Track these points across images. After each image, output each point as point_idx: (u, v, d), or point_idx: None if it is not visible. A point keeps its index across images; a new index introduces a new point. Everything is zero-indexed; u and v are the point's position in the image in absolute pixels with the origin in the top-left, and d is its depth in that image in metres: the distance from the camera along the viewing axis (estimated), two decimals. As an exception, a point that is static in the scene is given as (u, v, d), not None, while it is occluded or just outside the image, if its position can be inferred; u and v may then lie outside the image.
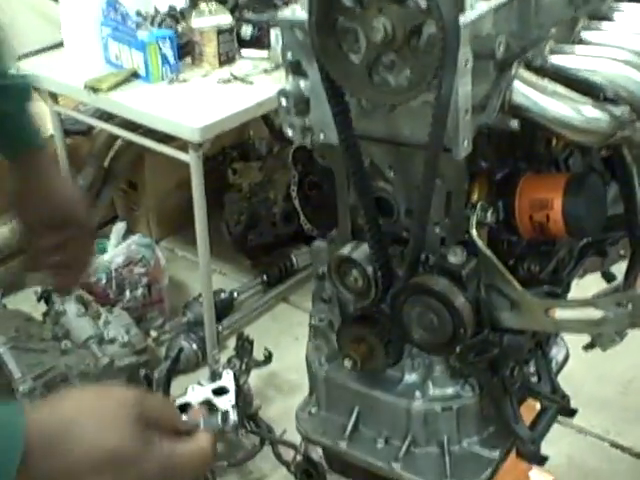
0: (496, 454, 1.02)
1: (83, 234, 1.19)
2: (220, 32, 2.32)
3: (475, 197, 0.92)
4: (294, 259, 2.88)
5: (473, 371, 0.96)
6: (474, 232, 0.90)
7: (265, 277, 2.85)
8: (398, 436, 1.04)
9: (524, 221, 0.94)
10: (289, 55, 0.90)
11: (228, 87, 2.33)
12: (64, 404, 0.69)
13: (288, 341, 2.65)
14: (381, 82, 0.83)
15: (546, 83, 0.90)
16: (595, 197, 1.00)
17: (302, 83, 0.91)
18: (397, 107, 0.87)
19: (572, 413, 1.06)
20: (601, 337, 0.89)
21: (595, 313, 0.87)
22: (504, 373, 0.98)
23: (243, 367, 2.09)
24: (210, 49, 2.33)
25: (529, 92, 0.89)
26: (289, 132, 0.94)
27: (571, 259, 1.13)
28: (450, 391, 1.02)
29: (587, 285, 1.09)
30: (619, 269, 1.10)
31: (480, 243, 0.90)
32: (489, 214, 0.91)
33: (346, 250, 0.97)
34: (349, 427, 1.06)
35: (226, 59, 2.39)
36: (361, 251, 0.96)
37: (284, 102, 0.92)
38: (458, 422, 1.02)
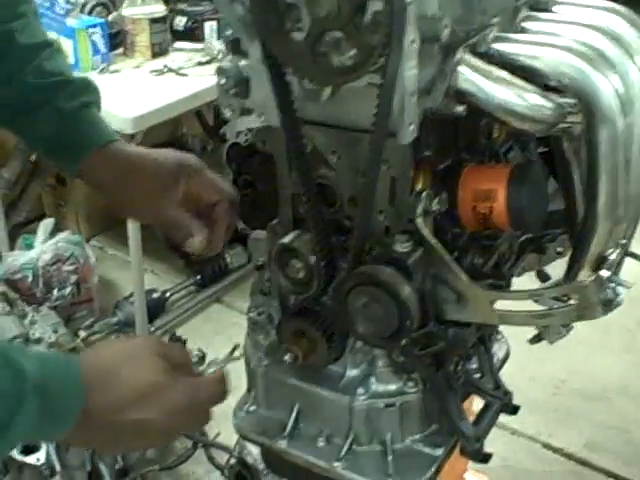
0: (440, 452, 0.98)
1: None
2: (153, 21, 2.25)
3: (420, 186, 0.89)
4: (228, 259, 2.82)
5: (417, 366, 0.93)
6: (420, 220, 0.87)
7: (199, 277, 2.79)
8: (340, 434, 1.00)
9: (467, 212, 0.91)
10: (228, 32, 0.85)
11: (161, 79, 2.27)
12: (103, 351, 0.87)
13: (222, 342, 2.57)
14: (325, 62, 0.79)
15: (491, 69, 0.88)
16: (538, 189, 0.98)
17: (242, 62, 0.87)
18: (341, 89, 0.84)
19: (515, 410, 1.04)
20: (547, 330, 0.87)
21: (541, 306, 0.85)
22: (448, 368, 0.95)
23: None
24: (142, 39, 2.26)
25: (474, 77, 0.86)
26: (227, 114, 0.89)
27: (511, 255, 1.11)
28: (393, 387, 0.98)
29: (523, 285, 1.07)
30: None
31: (426, 232, 0.87)
32: (434, 203, 0.88)
33: (287, 239, 0.93)
34: (289, 425, 1.01)
35: (159, 50, 2.32)
36: (303, 240, 0.92)
37: (222, 81, 0.87)
38: (401, 419, 0.98)
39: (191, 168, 1.09)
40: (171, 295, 2.72)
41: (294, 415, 1.02)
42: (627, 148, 0.93)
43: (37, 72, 1.05)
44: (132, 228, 2.26)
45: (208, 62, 2.22)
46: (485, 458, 0.97)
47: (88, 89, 1.09)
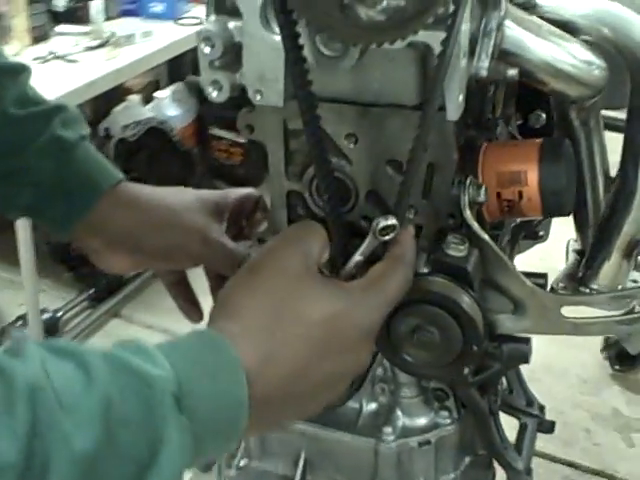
0: (482, 491, 0.82)
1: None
2: (31, 1, 1.95)
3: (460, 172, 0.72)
4: (124, 267, 2.54)
5: (464, 393, 0.76)
6: (469, 214, 0.69)
7: (92, 291, 2.50)
8: (361, 484, 0.81)
9: (490, 200, 0.75)
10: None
11: (47, 67, 1.97)
12: (248, 302, 0.58)
13: (127, 361, 2.32)
14: (358, 15, 0.60)
15: (540, 22, 0.72)
16: (571, 166, 0.83)
17: (231, 24, 0.66)
18: (365, 54, 0.65)
19: (552, 428, 0.89)
20: (631, 336, 0.72)
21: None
22: (493, 392, 0.78)
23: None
24: (20, 22, 1.96)
25: (522, 34, 0.70)
26: (213, 93, 0.68)
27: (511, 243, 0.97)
28: (425, 420, 0.81)
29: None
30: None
31: (477, 228, 0.69)
32: (482, 192, 0.70)
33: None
34: (296, 478, 0.82)
35: (39, 35, 2.03)
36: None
37: (207, 50, 0.66)
38: (436, 457, 0.81)
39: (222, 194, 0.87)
40: (64, 314, 2.42)
41: (301, 467, 0.82)
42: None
43: (20, 100, 0.79)
44: (23, 238, 1.94)
45: (99, 46, 1.95)
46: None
47: (79, 118, 0.83)
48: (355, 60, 0.63)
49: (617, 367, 2.31)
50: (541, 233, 1.22)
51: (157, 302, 2.58)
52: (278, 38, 0.63)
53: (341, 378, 0.61)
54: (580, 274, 0.94)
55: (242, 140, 2.97)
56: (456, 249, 0.66)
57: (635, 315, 0.68)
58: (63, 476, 0.43)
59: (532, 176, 0.76)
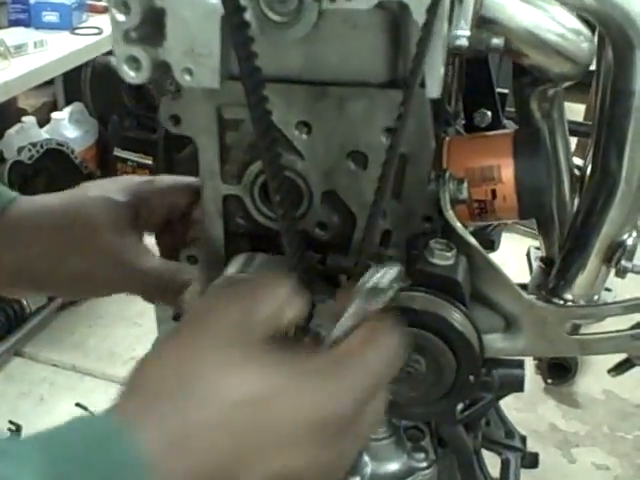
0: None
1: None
2: None
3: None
4: (24, 301, 2.34)
5: (449, 432, 0.63)
6: (451, 213, 0.57)
7: (-11, 328, 2.28)
8: None
9: None
10: None
11: None
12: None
13: (32, 404, 2.12)
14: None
15: (520, -14, 0.61)
16: (547, 160, 0.74)
17: (152, -15, 0.52)
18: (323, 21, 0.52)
19: (536, 461, 0.78)
20: (645, 353, 0.61)
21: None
22: (479, 428, 0.66)
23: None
24: None
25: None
26: (129, 73, 0.53)
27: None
28: (397, 465, 0.68)
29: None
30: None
31: (463, 230, 0.58)
32: (464, 188, 0.59)
33: (235, 268, 0.59)
34: None
35: None
36: (262, 266, 0.59)
37: (121, 17, 0.51)
38: (413, 508, 0.68)
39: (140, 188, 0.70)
40: (-44, 356, 2.20)
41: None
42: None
43: None
44: None
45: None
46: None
47: None
48: (310, 27, 0.50)
49: (550, 381, 2.25)
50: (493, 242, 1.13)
51: (63, 337, 2.38)
52: (212, 0, 0.50)
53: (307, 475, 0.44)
54: (551, 285, 0.83)
55: (148, 162, 2.81)
56: (442, 257, 0.54)
57: (652, 330, 0.57)
58: None
59: (507, 171, 0.66)
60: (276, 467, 0.43)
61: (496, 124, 0.95)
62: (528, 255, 1.00)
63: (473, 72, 0.96)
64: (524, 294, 0.58)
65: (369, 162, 0.57)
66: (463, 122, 0.94)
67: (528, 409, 2.17)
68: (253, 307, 0.47)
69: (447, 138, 0.72)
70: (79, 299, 1.96)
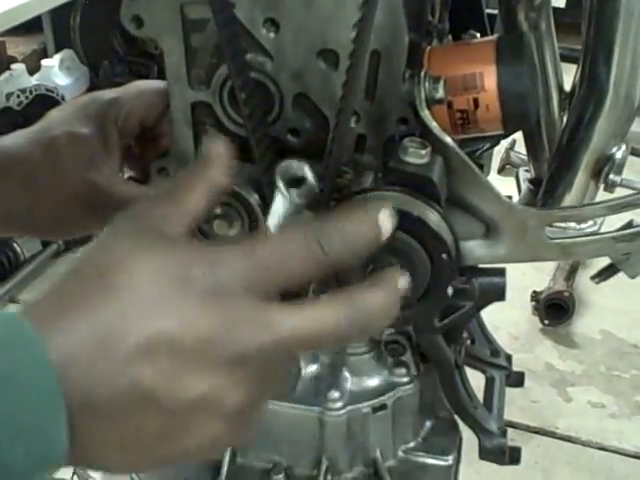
0: (450, 459, 0.68)
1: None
2: None
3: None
4: (18, 249, 2.32)
5: (428, 342, 0.61)
6: (426, 112, 0.55)
7: (-17, 276, 2.28)
8: (305, 463, 0.66)
9: (440, 112, 0.61)
10: None
11: None
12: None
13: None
14: None
15: None
16: (533, 66, 0.70)
17: None
18: None
19: (522, 380, 0.76)
20: (630, 258, 0.59)
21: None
22: (460, 340, 0.65)
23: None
24: None
25: None
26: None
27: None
28: (378, 380, 0.66)
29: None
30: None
31: (439, 129, 0.55)
32: (440, 86, 0.56)
33: (206, 174, 0.57)
34: (224, 467, 0.66)
35: None
36: (236, 175, 0.57)
37: None
38: (394, 424, 0.67)
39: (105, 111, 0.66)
40: (-49, 303, 2.19)
41: (228, 451, 0.67)
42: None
43: None
44: None
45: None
46: (517, 456, 0.69)
47: None
48: None
49: (546, 322, 2.24)
50: (482, 163, 1.11)
51: (57, 285, 2.37)
52: None
53: (212, 411, 0.40)
54: (539, 204, 0.81)
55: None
56: (416, 155, 0.52)
57: (635, 229, 0.55)
58: None
59: (489, 79, 0.63)
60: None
61: (485, 46, 0.92)
62: (517, 177, 0.98)
63: (461, -8, 0.92)
64: (503, 197, 0.56)
65: (340, 60, 0.55)
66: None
67: (525, 350, 2.17)
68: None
69: (428, 47, 0.69)
70: (64, 239, 1.94)
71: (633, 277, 0.58)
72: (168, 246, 0.41)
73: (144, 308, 0.38)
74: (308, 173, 0.51)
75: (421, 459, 0.68)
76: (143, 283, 0.39)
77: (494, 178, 1.02)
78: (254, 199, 0.56)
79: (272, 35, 0.55)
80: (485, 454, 0.68)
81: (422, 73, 0.56)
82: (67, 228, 0.66)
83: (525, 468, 1.78)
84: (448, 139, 0.55)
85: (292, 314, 0.40)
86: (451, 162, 0.55)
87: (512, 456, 0.68)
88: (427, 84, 0.55)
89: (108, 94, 0.68)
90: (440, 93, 0.56)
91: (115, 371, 0.38)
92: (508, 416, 1.91)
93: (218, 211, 0.57)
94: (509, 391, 2.14)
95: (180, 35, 0.57)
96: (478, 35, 0.92)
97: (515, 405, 1.96)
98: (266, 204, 0.56)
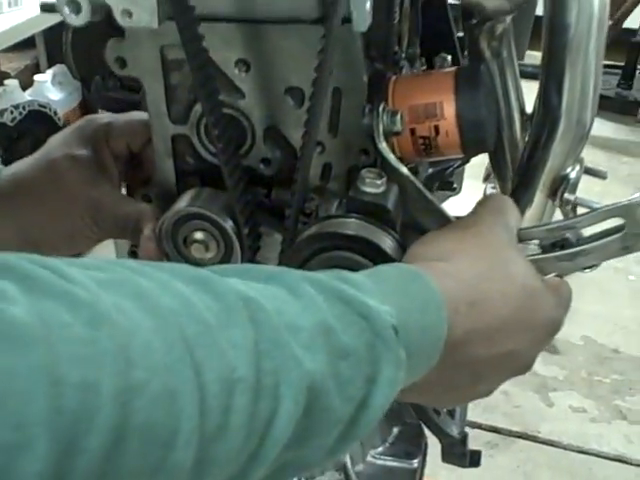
0: (415, 463, 0.73)
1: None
2: None
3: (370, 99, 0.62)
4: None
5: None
6: (383, 145, 0.60)
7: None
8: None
9: (404, 139, 0.66)
10: None
11: None
12: (461, 254, 0.53)
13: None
14: None
15: None
16: (490, 94, 0.76)
17: None
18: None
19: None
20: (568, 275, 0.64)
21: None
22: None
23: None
24: None
25: None
26: (70, 16, 0.56)
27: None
28: (347, 388, 0.71)
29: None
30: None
31: (395, 160, 0.60)
32: (398, 119, 0.61)
33: (184, 202, 0.62)
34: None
35: None
36: (209, 200, 0.62)
37: (58, -41, 0.54)
38: (363, 430, 0.72)
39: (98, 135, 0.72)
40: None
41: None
42: (600, 32, 0.73)
43: None
44: None
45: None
46: (477, 459, 0.74)
47: None
48: (240, -36, 0.53)
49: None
50: (455, 185, 1.16)
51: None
52: (145, -59, 0.52)
53: (514, 364, 0.55)
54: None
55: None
56: (372, 185, 0.57)
57: (576, 249, 0.60)
58: (293, 401, 0.37)
59: (448, 107, 0.68)
60: (517, 346, 0.53)
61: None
62: (484, 193, 1.03)
63: (432, 16, 0.98)
64: (453, 219, 0.61)
65: (305, 97, 0.60)
66: (424, 68, 0.96)
67: (508, 355, 2.21)
68: (509, 220, 0.59)
69: (392, 77, 0.75)
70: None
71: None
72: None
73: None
74: None
75: (388, 463, 0.73)
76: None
77: (478, 186, 1.07)
78: (229, 225, 0.61)
79: (243, 75, 0.60)
80: (447, 457, 0.73)
81: (381, 107, 0.61)
82: (80, 243, 0.70)
83: (507, 472, 1.84)
84: (404, 169, 0.60)
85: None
86: (406, 190, 0.60)
87: (472, 459, 0.73)
88: (385, 118, 0.60)
89: (102, 118, 0.73)
90: (397, 126, 0.61)
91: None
92: (491, 421, 1.98)
93: (196, 236, 0.62)
94: (492, 396, 2.19)
95: (160, 74, 0.62)
96: (449, 58, 0.97)
97: (498, 410, 2.01)
98: (239, 230, 0.61)
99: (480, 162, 1.04)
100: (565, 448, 1.93)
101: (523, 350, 0.54)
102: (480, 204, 0.61)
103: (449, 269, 0.51)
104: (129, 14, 0.55)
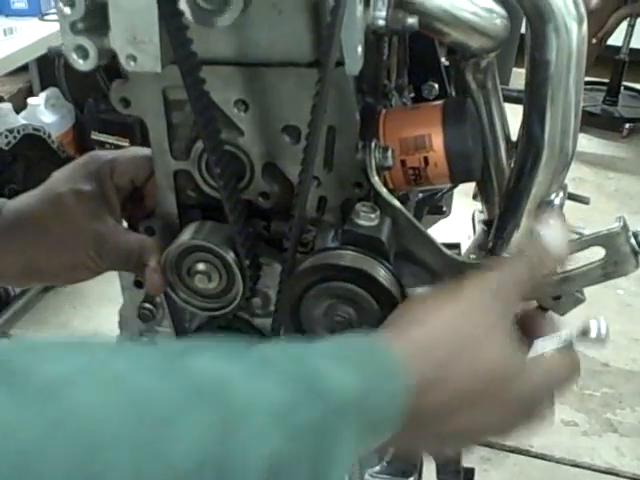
0: (411, 480, 0.76)
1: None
2: None
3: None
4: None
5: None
6: (376, 179, 0.63)
7: (-26, 312, 2.33)
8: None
9: (395, 170, 0.70)
10: None
11: None
12: (431, 327, 0.53)
13: (19, 384, 2.18)
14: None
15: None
16: (476, 126, 0.79)
17: (95, -21, 0.58)
18: (251, 6, 0.58)
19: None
20: (560, 299, 0.67)
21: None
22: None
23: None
24: None
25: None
26: (78, 62, 0.59)
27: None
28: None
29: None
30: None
31: (387, 194, 0.64)
32: (389, 155, 0.65)
33: (188, 235, 0.65)
34: None
35: None
36: (212, 232, 0.65)
37: (67, 10, 0.57)
38: (359, 449, 0.74)
39: (102, 170, 0.74)
40: (-57, 340, 2.24)
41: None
42: (579, 67, 0.77)
43: None
44: None
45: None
46: (469, 477, 0.76)
47: None
48: (238, 13, 0.56)
49: (521, 343, 2.32)
50: (444, 208, 1.19)
51: (48, 318, 2.44)
52: (149, -8, 0.55)
53: (482, 434, 0.57)
54: (490, 244, 0.90)
55: (125, 144, 2.85)
56: (367, 218, 0.60)
57: (564, 274, 0.63)
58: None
59: (437, 140, 0.71)
60: (480, 421, 0.54)
61: (443, 95, 1.00)
62: (473, 218, 1.07)
63: (418, 46, 1.01)
64: (446, 250, 0.65)
65: (301, 135, 0.63)
66: (412, 95, 1.00)
67: (500, 371, 2.24)
68: (512, 297, 0.58)
69: (383, 111, 0.78)
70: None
71: (562, 315, 0.66)
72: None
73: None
74: None
75: (385, 481, 0.76)
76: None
77: (469, 203, 1.10)
78: (230, 257, 0.64)
79: (242, 114, 0.64)
80: (442, 476, 0.76)
81: (373, 144, 0.64)
82: (81, 273, 0.72)
83: (501, 486, 1.86)
84: (396, 202, 0.63)
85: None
86: (399, 222, 0.64)
87: (466, 476, 0.76)
88: (377, 153, 0.64)
89: (106, 154, 0.75)
90: (389, 162, 0.64)
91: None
92: (485, 436, 2.00)
93: (200, 267, 0.66)
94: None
95: (162, 114, 0.65)
96: (436, 86, 1.01)
97: (491, 425, 2.04)
98: (240, 261, 0.64)
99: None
100: (557, 462, 1.96)
101: (492, 423, 0.55)
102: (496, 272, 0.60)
103: (421, 338, 0.52)
104: (134, 59, 0.59)
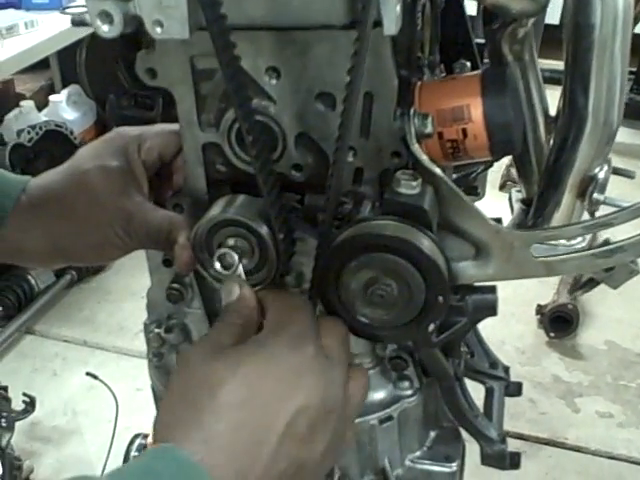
0: (454, 466, 0.73)
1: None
2: None
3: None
4: (33, 281, 2.38)
5: (427, 356, 0.66)
6: (416, 147, 0.60)
7: (0, 308, 2.32)
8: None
9: (432, 143, 0.66)
10: None
11: None
12: (226, 439, 0.50)
13: (45, 379, 2.17)
14: None
15: None
16: (517, 97, 0.76)
17: (119, -62, 0.55)
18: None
19: (519, 390, 0.81)
20: (613, 272, 0.64)
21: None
22: (459, 353, 0.70)
23: (2, 423, 1.61)
24: None
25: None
26: (102, 27, 0.56)
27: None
28: (383, 394, 0.71)
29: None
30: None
31: (428, 162, 0.60)
32: (429, 122, 0.61)
33: (218, 209, 0.62)
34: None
35: None
36: (243, 206, 0.62)
37: (92, -26, 0.54)
38: (400, 435, 0.71)
39: (130, 147, 0.71)
40: (-30, 336, 2.24)
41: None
42: (626, 32, 0.73)
43: None
44: None
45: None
46: (517, 461, 0.73)
47: None
48: (271, -28, 0.53)
49: (552, 334, 2.28)
50: (479, 190, 1.16)
51: (73, 313, 2.43)
52: (175, -49, 0.52)
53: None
54: (530, 222, 0.86)
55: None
56: (408, 186, 0.57)
57: (613, 245, 0.60)
58: None
59: (476, 110, 0.68)
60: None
61: (476, 73, 0.97)
62: (510, 197, 1.03)
63: (450, 24, 0.98)
64: (490, 221, 0.61)
65: (336, 102, 0.60)
66: (443, 74, 0.97)
67: (532, 362, 2.20)
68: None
69: (418, 83, 0.75)
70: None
71: (615, 288, 0.63)
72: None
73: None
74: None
75: (427, 467, 0.72)
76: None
77: (495, 194, 1.07)
78: (264, 230, 0.61)
79: (274, 82, 0.61)
80: (487, 459, 0.72)
81: (412, 111, 0.61)
82: (108, 252, 0.70)
83: (536, 479, 1.82)
84: (437, 170, 0.60)
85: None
86: (441, 191, 0.60)
87: (512, 460, 0.73)
88: (416, 121, 0.61)
89: (133, 130, 0.72)
90: (429, 129, 0.61)
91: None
92: (518, 429, 1.96)
93: (231, 242, 0.63)
94: (518, 404, 2.18)
95: (190, 84, 0.63)
96: (468, 64, 0.98)
97: (524, 417, 2.00)
98: (274, 235, 0.61)
99: (495, 169, 1.04)
100: (593, 454, 1.92)
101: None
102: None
103: (202, 443, 0.50)
104: (160, 25, 0.56)
